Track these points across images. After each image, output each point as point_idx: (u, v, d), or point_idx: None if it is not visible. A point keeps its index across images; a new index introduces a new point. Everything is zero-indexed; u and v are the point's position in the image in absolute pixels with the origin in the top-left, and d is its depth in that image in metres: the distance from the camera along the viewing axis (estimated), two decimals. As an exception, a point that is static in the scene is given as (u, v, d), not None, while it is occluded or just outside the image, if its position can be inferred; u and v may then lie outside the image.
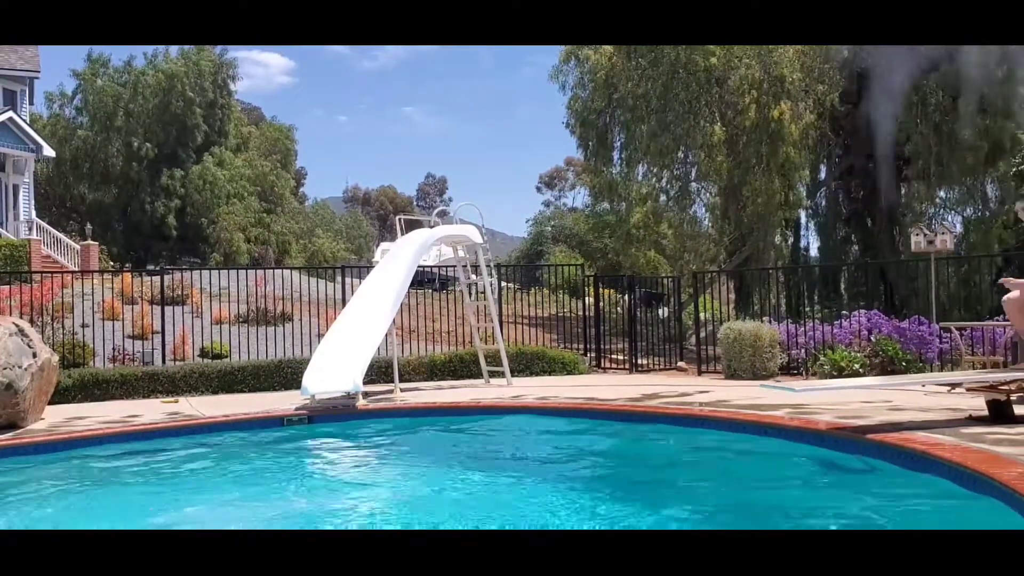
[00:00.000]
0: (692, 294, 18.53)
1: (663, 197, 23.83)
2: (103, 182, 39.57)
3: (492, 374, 12.54)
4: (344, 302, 12.94)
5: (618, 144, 24.09)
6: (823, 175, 24.15)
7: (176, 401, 11.26)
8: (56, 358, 10.17)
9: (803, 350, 12.81)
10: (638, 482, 6.90)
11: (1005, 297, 8.34)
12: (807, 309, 19.69)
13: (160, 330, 13.77)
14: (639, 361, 15.36)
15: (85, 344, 13.29)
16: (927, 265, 13.04)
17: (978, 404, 7.52)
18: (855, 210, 23.35)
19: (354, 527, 5.48)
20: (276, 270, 26.70)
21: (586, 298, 17.05)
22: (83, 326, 13.91)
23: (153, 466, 7.79)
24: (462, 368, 13.43)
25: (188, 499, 6.51)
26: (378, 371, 11.99)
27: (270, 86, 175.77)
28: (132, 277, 18.59)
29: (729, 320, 14.45)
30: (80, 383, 11.59)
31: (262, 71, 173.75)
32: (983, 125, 19.25)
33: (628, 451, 8.47)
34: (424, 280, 21.81)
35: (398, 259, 11.56)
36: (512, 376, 12.41)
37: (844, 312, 13.15)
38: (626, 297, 18.16)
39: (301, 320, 15.77)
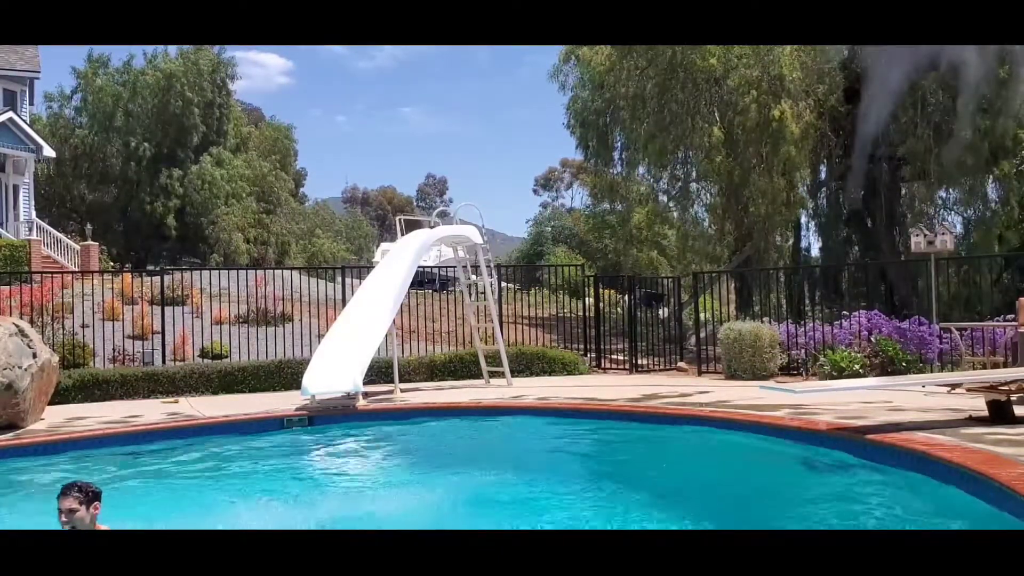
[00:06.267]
0: (692, 294, 18.52)
1: (663, 198, 23.81)
2: (102, 182, 39.55)
3: (492, 374, 12.53)
4: (344, 302, 12.93)
5: (618, 144, 24.08)
6: (823, 175, 24.11)
7: (176, 401, 11.26)
8: (56, 358, 10.17)
9: (803, 350, 12.81)
10: (638, 482, 6.90)
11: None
12: (808, 309, 19.69)
13: (160, 330, 13.77)
14: (639, 361, 15.36)
15: (85, 344, 13.28)
16: (927, 265, 13.04)
17: (978, 404, 7.52)
18: (855, 210, 23.30)
19: (354, 527, 5.48)
20: (276, 270, 26.70)
21: (586, 298, 17.05)
22: (83, 326, 13.91)
23: (153, 466, 7.79)
24: (462, 368, 13.43)
25: (188, 499, 6.52)
26: (378, 371, 11.99)
27: (269, 86, 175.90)
28: (132, 277, 18.58)
29: (729, 320, 14.44)
30: (80, 383, 11.58)
31: (260, 71, 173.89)
32: (983, 125, 19.23)
33: (628, 451, 8.47)
34: (424, 281, 21.82)
35: (398, 260, 11.56)
36: (512, 376, 12.41)
37: (844, 312, 13.15)
38: (626, 297, 18.15)
39: (301, 320, 15.77)
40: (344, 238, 51.04)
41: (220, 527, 5.15)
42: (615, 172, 24.28)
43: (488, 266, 12.67)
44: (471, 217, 14.08)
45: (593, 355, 15.62)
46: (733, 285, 21.73)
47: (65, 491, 4.08)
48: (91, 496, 4.09)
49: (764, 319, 13.83)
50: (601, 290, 17.03)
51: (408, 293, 12.61)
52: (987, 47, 16.60)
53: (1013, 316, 10.67)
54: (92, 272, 19.05)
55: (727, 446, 7.85)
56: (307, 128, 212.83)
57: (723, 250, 21.95)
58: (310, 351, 12.09)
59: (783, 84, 18.87)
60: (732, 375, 12.76)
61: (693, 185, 22.63)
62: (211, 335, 14.48)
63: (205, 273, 18.47)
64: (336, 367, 10.13)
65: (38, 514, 5.94)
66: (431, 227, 12.73)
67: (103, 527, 4.15)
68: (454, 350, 14.51)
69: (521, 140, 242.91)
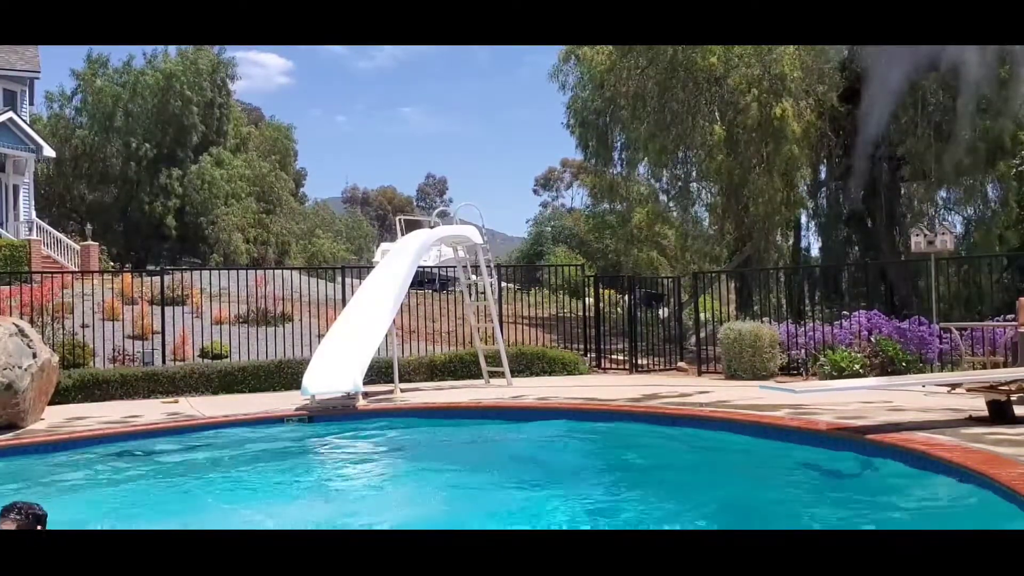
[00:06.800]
0: (692, 294, 18.53)
1: (663, 197, 23.81)
2: (102, 182, 39.56)
3: (492, 374, 12.53)
4: (344, 302, 12.93)
5: (618, 144, 24.08)
6: (823, 175, 24.11)
7: (176, 401, 11.25)
8: (56, 358, 10.17)
9: (803, 350, 12.81)
10: (638, 482, 6.90)
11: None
12: (808, 309, 19.69)
13: (160, 330, 13.77)
14: (639, 361, 15.36)
15: (85, 344, 13.28)
16: (928, 265, 13.04)
17: (978, 404, 7.52)
18: (855, 210, 23.30)
19: (353, 527, 5.48)
20: (276, 270, 26.71)
21: (586, 298, 17.05)
22: (83, 326, 13.91)
23: (153, 466, 7.79)
24: (462, 368, 13.42)
25: (188, 499, 6.51)
26: (378, 371, 11.99)
27: (269, 86, 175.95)
28: (132, 277, 18.58)
29: (729, 320, 14.44)
30: (80, 383, 11.58)
31: (260, 71, 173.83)
32: (983, 125, 19.24)
33: (628, 451, 8.47)
34: (424, 281, 21.82)
35: (398, 259, 11.56)
36: (512, 376, 12.40)
37: (845, 312, 13.15)
38: (626, 297, 18.15)
39: (301, 320, 15.76)
40: (344, 238, 51.02)
41: (219, 527, 5.15)
42: (615, 172, 24.28)
43: (488, 266, 12.67)
44: (471, 217, 14.10)
45: (593, 355, 15.61)
46: (733, 285, 21.74)
47: (4, 512, 3.64)
48: (32, 519, 3.65)
49: (764, 319, 13.83)
50: (601, 290, 17.03)
51: (408, 293, 12.60)
52: (987, 47, 16.60)
53: (1013, 316, 10.67)
54: (92, 272, 19.05)
55: (726, 446, 7.85)
56: (307, 128, 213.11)
57: (723, 250, 21.95)
58: (310, 351, 12.08)
59: (784, 83, 18.86)
60: (732, 375, 12.76)
61: (693, 185, 22.62)
62: (211, 335, 14.48)
63: (205, 273, 18.47)
64: (336, 367, 10.13)
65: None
66: (431, 227, 12.73)
67: None
68: (454, 350, 14.51)
69: (521, 140, 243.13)
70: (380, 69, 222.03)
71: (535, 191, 73.40)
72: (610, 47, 20.76)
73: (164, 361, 13.39)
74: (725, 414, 8.50)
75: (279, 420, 9.44)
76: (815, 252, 25.42)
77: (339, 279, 17.56)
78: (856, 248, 24.66)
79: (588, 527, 5.36)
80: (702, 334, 15.58)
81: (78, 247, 27.76)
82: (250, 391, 12.18)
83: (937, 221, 20.37)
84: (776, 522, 5.31)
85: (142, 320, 15.03)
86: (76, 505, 6.29)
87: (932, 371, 11.12)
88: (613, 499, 6.26)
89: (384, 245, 23.40)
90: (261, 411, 9.78)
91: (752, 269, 20.03)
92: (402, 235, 12.63)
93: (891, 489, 5.93)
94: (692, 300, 18.35)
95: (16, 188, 28.53)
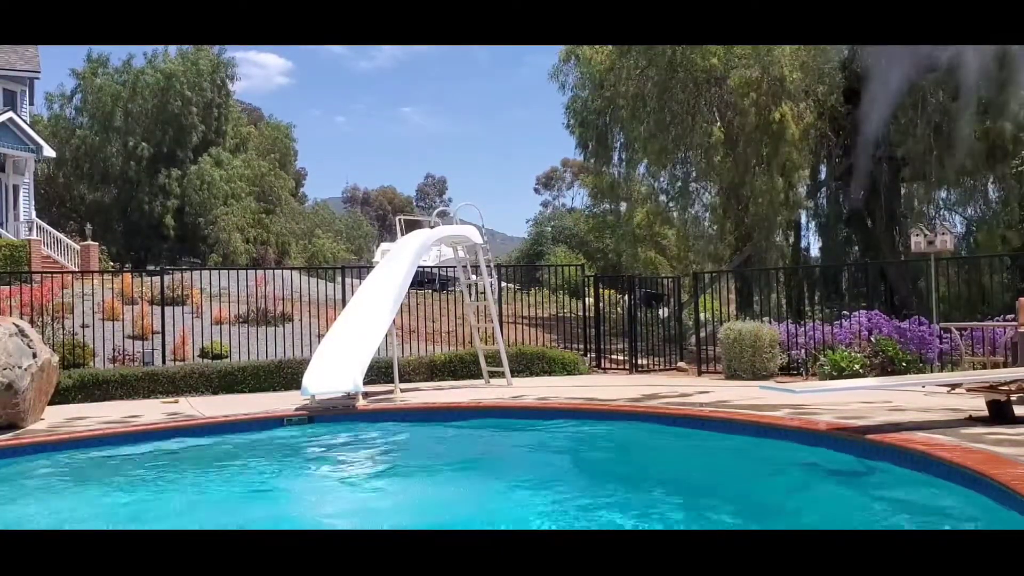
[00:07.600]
0: (692, 294, 18.53)
1: (663, 198, 23.84)
2: (102, 182, 39.59)
3: (492, 374, 12.53)
4: (344, 302, 12.93)
5: (618, 144, 24.11)
6: (823, 175, 24.12)
7: (176, 401, 11.26)
8: (56, 358, 10.17)
9: (803, 350, 12.81)
10: (638, 482, 6.90)
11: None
12: (808, 309, 19.69)
13: (160, 330, 13.77)
14: (639, 361, 15.36)
15: (85, 344, 13.28)
16: (928, 265, 13.03)
17: (978, 404, 7.52)
18: (855, 210, 23.30)
19: (354, 527, 5.48)
20: (276, 270, 26.72)
21: (586, 298, 17.06)
22: (83, 326, 13.91)
23: (153, 467, 7.79)
24: (462, 368, 13.42)
25: (188, 499, 6.51)
26: (378, 371, 11.99)
27: (269, 86, 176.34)
28: (132, 277, 18.58)
29: (729, 320, 14.44)
30: (80, 383, 11.58)
31: (260, 72, 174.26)
32: (981, 127, 19.24)
33: (628, 452, 8.47)
34: (424, 280, 21.84)
35: (398, 259, 11.55)
36: (512, 376, 12.40)
37: (845, 312, 13.16)
38: (626, 297, 18.16)
39: (301, 320, 15.77)
40: (344, 238, 51.09)
41: (219, 527, 5.15)
42: (615, 172, 24.32)
43: (488, 266, 12.67)
44: (471, 217, 14.13)
45: (593, 355, 15.61)
46: (733, 285, 21.75)
47: None
48: None
49: (764, 319, 13.83)
50: (601, 290, 17.03)
51: (408, 293, 12.60)
52: (987, 48, 16.60)
53: (1013, 316, 10.67)
54: (92, 272, 19.05)
55: (726, 446, 7.85)
56: (307, 128, 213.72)
57: (724, 250, 21.96)
58: (310, 351, 12.08)
59: (783, 85, 18.88)
60: (732, 375, 12.76)
61: (693, 185, 22.66)
62: (211, 335, 14.48)
63: (205, 273, 18.48)
64: (336, 367, 10.13)
65: (38, 514, 5.95)
66: (431, 227, 12.72)
67: None
68: (454, 350, 14.51)
69: (521, 140, 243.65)
70: (380, 69, 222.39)
71: (536, 191, 73.61)
72: (610, 47, 20.78)
73: (164, 361, 13.39)
74: (725, 414, 8.49)
75: (279, 420, 9.44)
76: (815, 252, 25.42)
77: (339, 279, 17.57)
78: (856, 248, 24.65)
79: (588, 527, 5.36)
80: (702, 334, 15.58)
81: (78, 247, 27.78)
82: (250, 391, 12.18)
83: (937, 221, 20.38)
84: (775, 522, 5.31)
85: (142, 320, 15.04)
86: (77, 505, 6.29)
87: (932, 371, 11.11)
88: (612, 499, 6.26)
89: (384, 245, 23.40)
90: (261, 411, 9.78)
91: (752, 269, 20.04)
92: (402, 235, 12.62)
93: (891, 489, 5.93)
94: (692, 300, 18.35)
95: (16, 188, 28.54)
